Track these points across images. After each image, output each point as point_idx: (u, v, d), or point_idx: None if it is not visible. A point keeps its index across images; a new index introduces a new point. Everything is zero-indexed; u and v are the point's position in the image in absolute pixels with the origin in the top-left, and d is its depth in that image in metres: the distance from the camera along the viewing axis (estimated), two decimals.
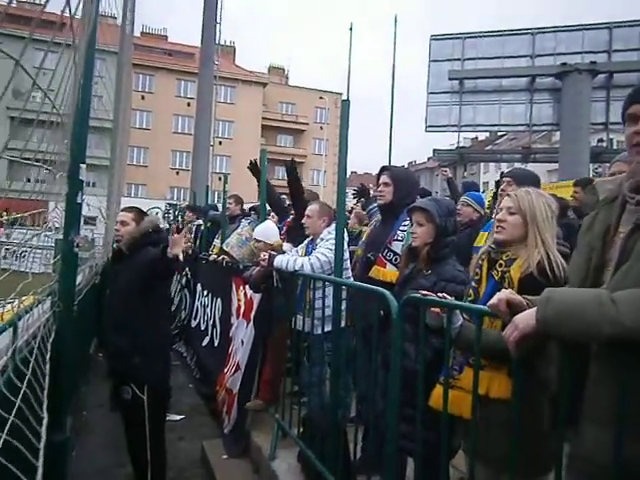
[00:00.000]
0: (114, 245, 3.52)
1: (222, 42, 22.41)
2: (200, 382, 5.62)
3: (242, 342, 4.34)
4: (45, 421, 1.80)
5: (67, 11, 1.66)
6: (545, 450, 1.79)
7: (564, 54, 14.54)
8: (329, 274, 3.43)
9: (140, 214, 3.49)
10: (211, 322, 5.66)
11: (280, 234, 4.45)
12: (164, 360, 3.48)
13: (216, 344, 5.37)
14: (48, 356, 2.16)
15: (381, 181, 3.56)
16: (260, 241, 4.17)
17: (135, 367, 3.24)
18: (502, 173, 3.60)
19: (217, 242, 6.46)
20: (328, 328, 3.22)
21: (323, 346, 3.44)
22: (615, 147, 16.54)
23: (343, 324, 3.14)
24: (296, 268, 3.55)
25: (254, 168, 5.07)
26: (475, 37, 15.83)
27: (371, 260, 3.41)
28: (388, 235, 3.39)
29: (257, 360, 4.17)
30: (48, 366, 2.11)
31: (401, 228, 3.35)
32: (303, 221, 3.90)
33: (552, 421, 1.55)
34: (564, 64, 14.06)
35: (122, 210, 3.55)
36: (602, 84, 14.19)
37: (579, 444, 1.40)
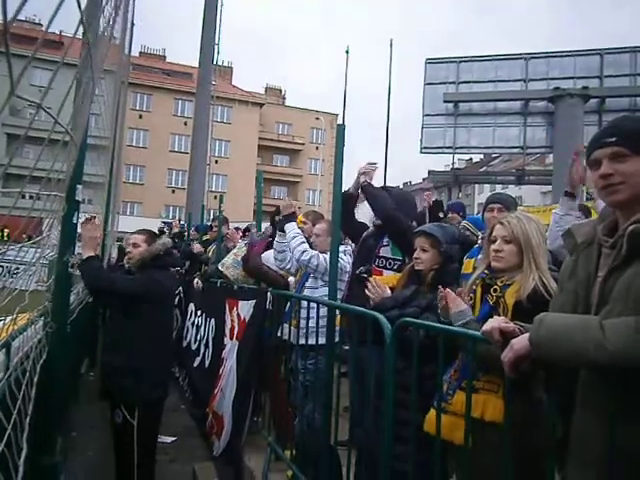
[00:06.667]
0: (127, 265, 3.49)
1: (220, 62, 22.63)
2: (192, 403, 5.54)
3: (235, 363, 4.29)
4: (24, 453, 1.75)
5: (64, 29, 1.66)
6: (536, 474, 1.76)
7: (557, 79, 14.77)
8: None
9: (152, 236, 3.51)
10: (204, 342, 5.60)
11: None
12: (158, 383, 3.41)
13: (207, 365, 5.31)
14: (36, 379, 2.12)
15: None
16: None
17: (126, 389, 3.20)
18: (488, 198, 3.63)
19: None
20: (313, 341, 3.25)
21: (317, 361, 3.35)
22: None
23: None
24: (303, 258, 3.68)
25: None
26: (469, 61, 16.07)
27: (362, 276, 3.41)
28: (376, 247, 3.47)
29: (250, 383, 4.12)
30: (34, 390, 2.06)
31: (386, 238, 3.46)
32: (312, 240, 3.92)
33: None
34: (557, 88, 14.28)
35: (133, 233, 3.55)
36: (594, 108, 14.40)
37: None
